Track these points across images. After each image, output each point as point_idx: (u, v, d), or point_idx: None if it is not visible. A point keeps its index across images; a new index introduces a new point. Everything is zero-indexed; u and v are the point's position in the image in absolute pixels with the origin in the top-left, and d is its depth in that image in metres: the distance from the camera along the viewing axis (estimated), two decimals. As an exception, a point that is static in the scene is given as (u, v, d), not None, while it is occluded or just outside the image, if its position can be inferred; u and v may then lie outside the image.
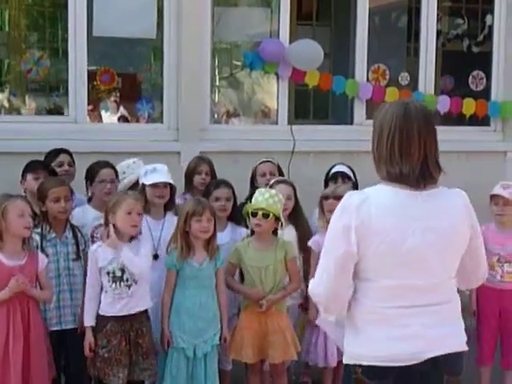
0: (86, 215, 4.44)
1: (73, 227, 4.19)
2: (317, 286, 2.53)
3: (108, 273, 3.88)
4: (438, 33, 7.12)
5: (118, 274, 3.88)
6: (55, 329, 4.07)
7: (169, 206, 4.44)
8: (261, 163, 5.06)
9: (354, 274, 2.48)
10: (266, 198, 4.16)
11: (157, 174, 4.36)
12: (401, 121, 2.45)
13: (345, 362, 2.59)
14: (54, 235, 4.10)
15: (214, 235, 4.10)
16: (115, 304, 3.88)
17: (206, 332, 4.07)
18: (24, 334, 3.74)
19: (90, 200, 4.59)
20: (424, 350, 2.43)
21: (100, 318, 3.91)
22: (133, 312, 3.90)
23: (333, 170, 5.05)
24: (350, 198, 2.49)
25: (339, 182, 4.92)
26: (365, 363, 2.47)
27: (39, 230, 4.05)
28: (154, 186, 4.34)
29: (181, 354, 4.03)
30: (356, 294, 2.50)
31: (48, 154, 4.84)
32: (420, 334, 2.42)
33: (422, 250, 2.41)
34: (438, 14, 6.89)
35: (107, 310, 3.89)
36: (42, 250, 4.00)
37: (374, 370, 2.45)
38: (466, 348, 2.56)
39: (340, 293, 2.49)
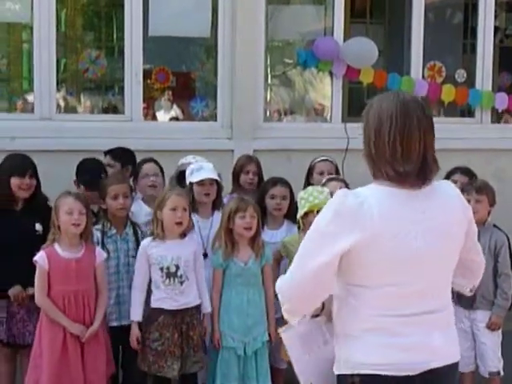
0: (139, 212, 4.49)
1: (133, 224, 4.24)
2: (288, 286, 2.29)
3: (162, 268, 3.91)
4: (496, 29, 6.99)
5: (173, 269, 3.91)
6: (114, 324, 4.12)
7: (217, 204, 4.46)
8: (320, 161, 4.99)
9: (349, 281, 2.28)
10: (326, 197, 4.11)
11: (203, 171, 4.38)
12: (401, 114, 2.23)
13: (338, 372, 2.37)
14: (114, 231, 4.16)
15: (258, 233, 4.09)
16: (168, 300, 3.91)
17: (256, 329, 4.07)
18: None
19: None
20: (426, 360, 2.29)
21: (152, 311, 3.94)
22: (185, 307, 3.93)
23: None
24: (345, 200, 2.23)
25: None
26: (363, 372, 2.27)
27: (100, 226, 4.13)
28: (201, 183, 4.36)
29: (231, 352, 4.04)
30: (351, 301, 2.29)
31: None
32: (422, 344, 2.28)
33: (425, 254, 2.25)
34: (495, 10, 6.76)
35: (159, 305, 3.92)
36: (103, 246, 4.07)
37: (374, 378, 2.26)
38: (459, 358, 2.42)
39: (315, 295, 2.28)
